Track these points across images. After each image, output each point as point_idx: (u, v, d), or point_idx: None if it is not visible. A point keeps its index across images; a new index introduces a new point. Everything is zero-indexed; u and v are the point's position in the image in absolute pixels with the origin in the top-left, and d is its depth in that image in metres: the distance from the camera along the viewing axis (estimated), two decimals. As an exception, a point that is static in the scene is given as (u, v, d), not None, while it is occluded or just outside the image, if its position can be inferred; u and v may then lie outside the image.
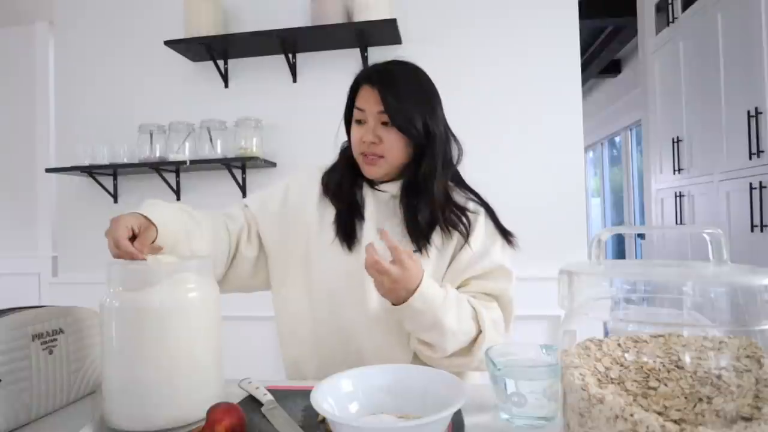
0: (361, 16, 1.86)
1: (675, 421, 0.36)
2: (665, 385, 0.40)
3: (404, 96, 0.89)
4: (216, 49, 2.03)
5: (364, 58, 2.00)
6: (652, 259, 3.13)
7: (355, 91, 0.95)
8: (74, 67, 2.25)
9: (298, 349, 0.96)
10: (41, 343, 0.70)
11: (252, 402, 0.71)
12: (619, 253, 5.18)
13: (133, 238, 0.72)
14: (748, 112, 2.05)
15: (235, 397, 0.72)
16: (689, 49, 2.63)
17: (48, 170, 2.12)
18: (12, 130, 2.75)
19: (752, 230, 2.05)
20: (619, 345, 0.45)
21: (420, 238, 0.90)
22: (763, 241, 2.01)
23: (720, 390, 0.38)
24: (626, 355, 0.44)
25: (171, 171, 2.11)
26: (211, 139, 2.00)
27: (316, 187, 1.00)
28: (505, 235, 0.95)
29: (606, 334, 0.48)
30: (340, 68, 2.06)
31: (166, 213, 0.79)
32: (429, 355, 0.86)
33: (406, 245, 0.90)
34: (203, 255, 0.84)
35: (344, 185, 0.97)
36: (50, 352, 0.71)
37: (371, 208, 0.95)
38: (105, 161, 2.04)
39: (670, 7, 2.79)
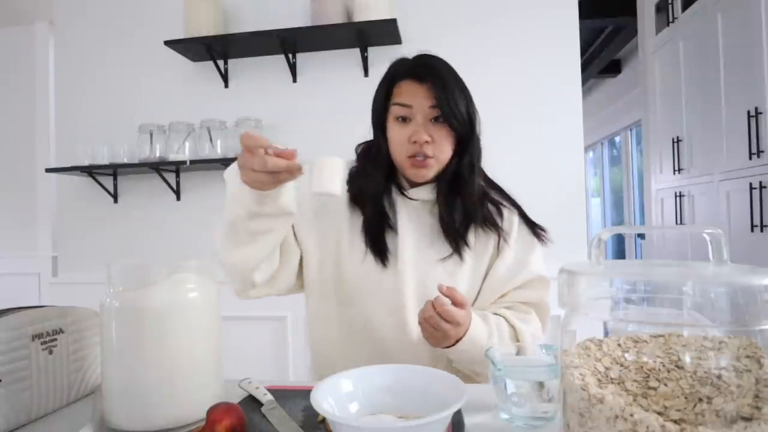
0: (361, 16, 1.86)
1: (675, 421, 0.36)
2: (665, 385, 0.40)
3: (451, 89, 0.83)
4: (216, 49, 2.03)
5: (364, 58, 2.00)
6: (652, 259, 3.13)
7: (390, 87, 0.88)
8: (74, 67, 2.25)
9: (329, 367, 0.89)
10: (41, 343, 0.70)
11: (252, 402, 0.70)
12: (619, 253, 5.18)
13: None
14: (748, 112, 2.05)
15: (235, 397, 0.72)
16: (689, 49, 2.63)
17: (48, 170, 2.12)
18: (12, 130, 2.75)
19: (752, 230, 2.05)
20: (619, 345, 0.45)
21: (457, 238, 0.86)
22: (763, 241, 2.01)
23: (720, 390, 0.38)
24: (626, 355, 0.44)
25: (171, 171, 2.11)
26: (211, 139, 2.00)
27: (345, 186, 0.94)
28: (536, 232, 0.91)
29: (606, 334, 0.48)
30: (340, 68, 2.06)
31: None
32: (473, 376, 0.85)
33: (440, 248, 0.87)
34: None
35: (371, 192, 0.89)
36: (50, 352, 0.71)
37: (404, 217, 0.89)
38: (105, 161, 2.04)
39: (670, 7, 2.79)
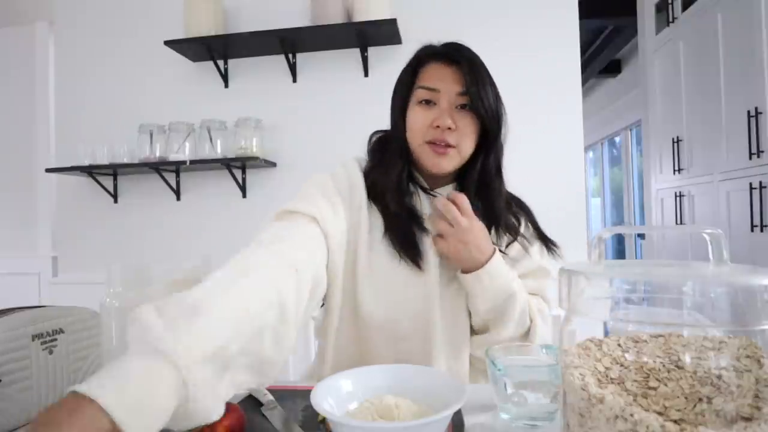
0: (361, 16, 1.86)
1: (675, 421, 0.36)
2: (665, 385, 0.40)
3: (483, 77, 0.78)
4: (216, 49, 2.03)
5: (364, 58, 2.00)
6: (652, 259, 3.13)
7: (416, 69, 0.81)
8: (74, 67, 2.25)
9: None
10: (41, 343, 0.70)
11: (252, 402, 0.70)
12: (619, 253, 5.18)
13: None
14: (748, 112, 2.05)
15: (235, 397, 0.72)
16: (689, 49, 2.63)
17: (48, 170, 2.12)
18: (12, 130, 2.75)
19: (752, 230, 2.06)
20: (619, 345, 0.45)
21: None
22: (763, 241, 2.01)
23: (720, 390, 0.38)
24: (626, 355, 0.44)
25: (171, 171, 2.11)
26: (211, 139, 2.00)
27: (361, 187, 0.81)
28: (546, 242, 0.87)
29: (606, 334, 0.48)
30: (340, 68, 2.06)
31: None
32: (484, 342, 0.78)
33: None
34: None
35: (393, 185, 0.80)
36: (50, 352, 0.71)
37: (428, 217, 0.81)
38: (105, 161, 2.05)
39: (670, 7, 2.79)
